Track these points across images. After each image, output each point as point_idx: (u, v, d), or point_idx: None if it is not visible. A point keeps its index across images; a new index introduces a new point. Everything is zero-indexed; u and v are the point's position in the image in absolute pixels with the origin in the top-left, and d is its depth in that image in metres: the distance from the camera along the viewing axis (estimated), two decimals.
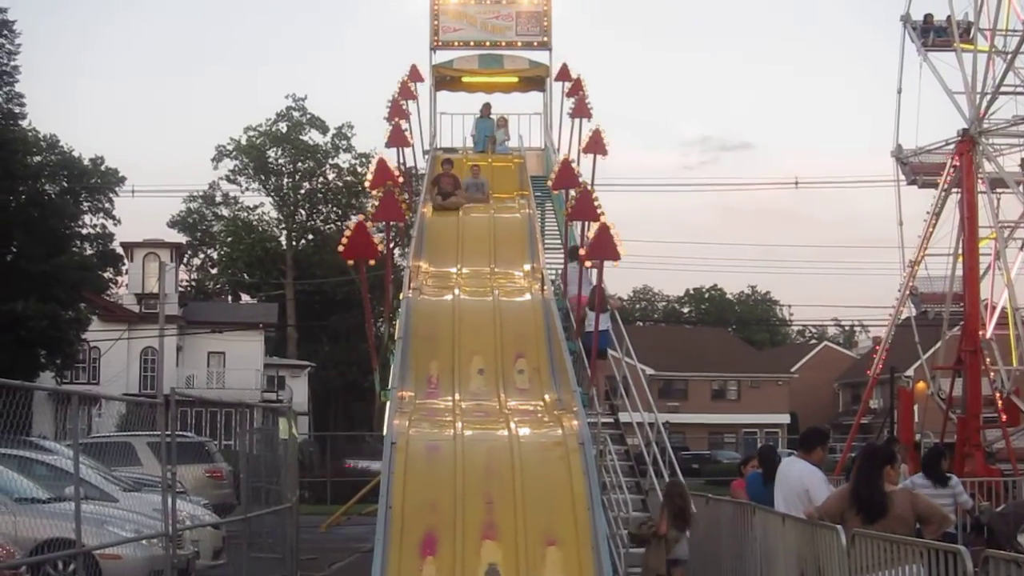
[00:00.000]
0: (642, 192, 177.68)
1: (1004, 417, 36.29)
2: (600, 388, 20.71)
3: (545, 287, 21.13)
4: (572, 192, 21.09)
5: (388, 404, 17.66)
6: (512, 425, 16.78)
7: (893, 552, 10.02)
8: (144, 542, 16.32)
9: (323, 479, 46.52)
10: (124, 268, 68.86)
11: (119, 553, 15.81)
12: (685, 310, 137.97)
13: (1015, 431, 36.68)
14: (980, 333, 35.77)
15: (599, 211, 19.49)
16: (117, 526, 16.02)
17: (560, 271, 23.96)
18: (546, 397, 18.01)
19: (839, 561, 10.95)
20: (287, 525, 19.48)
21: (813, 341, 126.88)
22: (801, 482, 12.98)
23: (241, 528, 17.75)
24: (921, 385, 43.43)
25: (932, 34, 40.07)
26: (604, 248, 18.19)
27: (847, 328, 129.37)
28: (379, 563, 14.00)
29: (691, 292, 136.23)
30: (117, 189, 58.80)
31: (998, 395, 36.88)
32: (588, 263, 19.01)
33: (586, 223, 19.78)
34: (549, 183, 23.89)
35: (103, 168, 57.73)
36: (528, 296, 21.28)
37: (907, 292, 40.68)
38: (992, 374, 37.03)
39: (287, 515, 19.38)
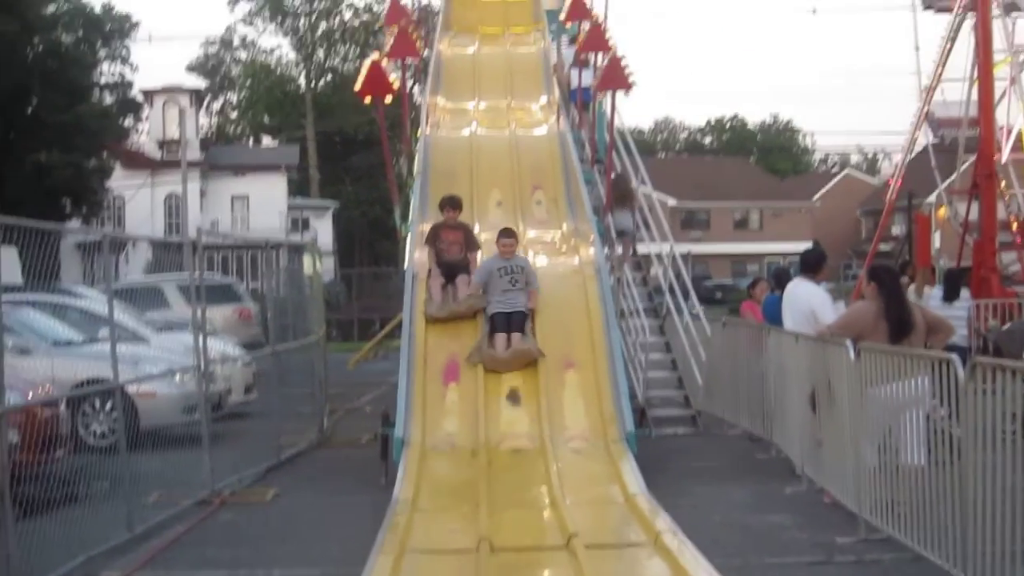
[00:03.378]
0: (661, 22, 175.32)
1: (1020, 240, 36.54)
2: (589, 137, 21.24)
3: (561, 119, 21.37)
4: (584, 24, 21.25)
5: (408, 238, 18.04)
6: (530, 254, 17.17)
7: (898, 365, 10.39)
8: (177, 379, 16.82)
9: (350, 318, 47.16)
10: (144, 115, 68.77)
11: (153, 391, 16.31)
12: (707, 140, 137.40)
13: None
14: (996, 157, 35.76)
15: (610, 42, 19.66)
16: (150, 364, 16.46)
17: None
18: (563, 227, 18.36)
19: (848, 375, 11.36)
20: (315, 360, 19.93)
21: (835, 169, 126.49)
22: (808, 303, 13.37)
23: (270, 364, 18.21)
24: (942, 211, 43.58)
25: None
26: (615, 78, 18.45)
27: (870, 156, 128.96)
28: (404, 391, 14.49)
29: (712, 122, 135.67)
30: (133, 35, 58.66)
31: (1013, 219, 37.07)
32: (600, 93, 19.26)
33: (598, 54, 19.95)
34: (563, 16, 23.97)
35: (114, 14, 57.47)
36: (544, 129, 21.53)
37: (923, 117, 40.68)
38: (1008, 198, 37.18)
39: (315, 349, 19.82)
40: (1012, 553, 7.92)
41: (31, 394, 12.17)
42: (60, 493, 11.51)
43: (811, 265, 13.91)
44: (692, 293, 19.91)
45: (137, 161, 65.32)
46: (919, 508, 9.60)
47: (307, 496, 14.01)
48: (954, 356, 9.01)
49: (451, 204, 16.62)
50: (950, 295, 19.04)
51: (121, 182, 59.75)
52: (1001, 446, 8.31)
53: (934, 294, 19.68)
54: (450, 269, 16.08)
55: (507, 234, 15.95)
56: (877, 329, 11.68)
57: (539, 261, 17.06)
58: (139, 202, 64.03)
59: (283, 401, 17.59)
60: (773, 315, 15.53)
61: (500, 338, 14.91)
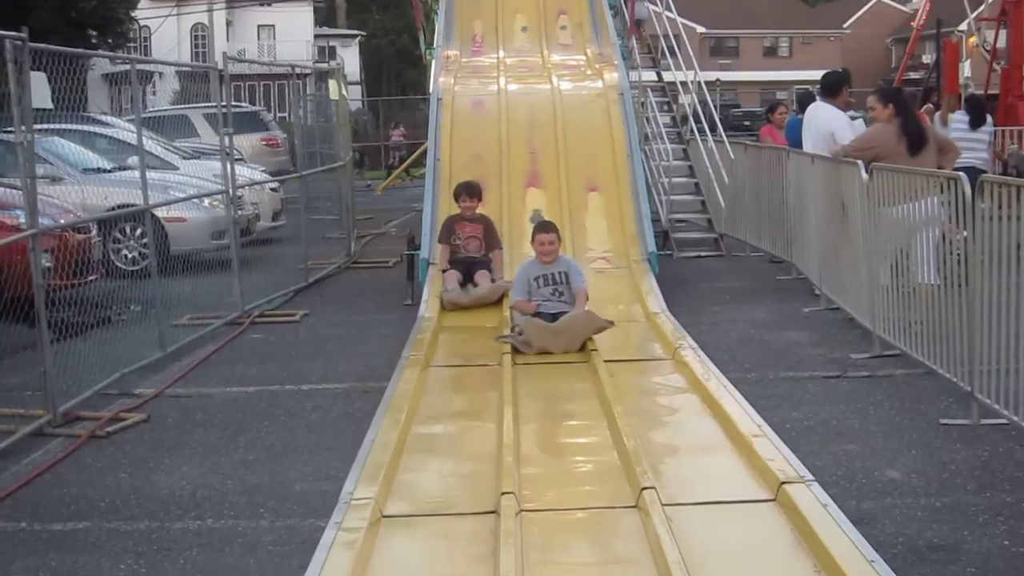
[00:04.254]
0: None
1: None
2: None
3: None
4: None
5: (433, 63, 18.13)
6: (554, 79, 17.25)
7: (910, 184, 10.50)
8: (206, 204, 17.07)
9: (377, 144, 47.29)
10: None
11: (183, 216, 16.56)
12: None
13: None
14: None
15: None
16: (180, 190, 16.65)
17: None
18: (588, 51, 18.39)
19: (860, 195, 11.50)
20: (342, 185, 20.13)
21: None
22: (828, 125, 13.45)
23: (298, 190, 18.40)
24: (972, 39, 43.03)
25: None
26: None
27: None
28: (429, 213, 14.74)
29: None
30: None
31: None
32: None
33: None
34: None
35: None
36: None
37: None
38: None
39: (342, 175, 20.00)
40: (1016, 370, 8.11)
41: (63, 220, 12.39)
42: (94, 317, 11.85)
43: (831, 87, 13.96)
44: (718, 122, 19.88)
45: None
46: (930, 326, 9.78)
47: (335, 316, 14.29)
48: (961, 174, 9.09)
49: (468, 191, 13.74)
50: (976, 121, 18.99)
51: (147, 12, 59.40)
52: (1008, 265, 8.45)
53: (958, 117, 19.68)
54: (467, 267, 13.50)
55: (545, 228, 11.82)
56: (899, 147, 11.79)
57: (563, 85, 17.14)
58: (165, 33, 63.76)
59: (311, 226, 17.83)
60: (795, 138, 15.60)
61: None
